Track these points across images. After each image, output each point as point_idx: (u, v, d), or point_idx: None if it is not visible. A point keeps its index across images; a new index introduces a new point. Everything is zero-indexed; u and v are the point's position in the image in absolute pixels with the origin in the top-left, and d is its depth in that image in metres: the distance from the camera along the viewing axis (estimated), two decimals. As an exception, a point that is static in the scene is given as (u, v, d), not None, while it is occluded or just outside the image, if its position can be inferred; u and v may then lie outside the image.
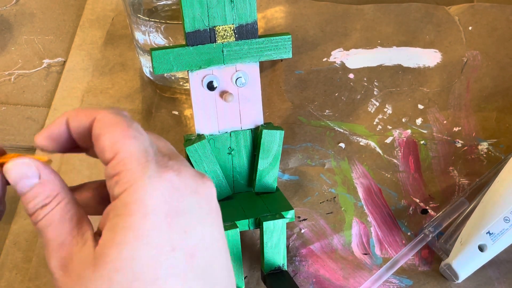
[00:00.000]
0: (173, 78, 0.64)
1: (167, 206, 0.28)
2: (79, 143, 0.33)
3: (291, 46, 0.48)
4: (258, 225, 0.49)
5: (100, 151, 0.30)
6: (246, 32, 0.46)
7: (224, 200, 0.52)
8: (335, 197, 0.57)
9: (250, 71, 0.48)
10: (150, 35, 0.61)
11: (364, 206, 0.57)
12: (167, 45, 0.62)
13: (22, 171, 0.31)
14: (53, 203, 0.31)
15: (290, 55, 0.49)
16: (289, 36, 0.48)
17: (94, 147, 0.31)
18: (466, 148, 0.61)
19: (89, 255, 0.29)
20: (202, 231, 0.30)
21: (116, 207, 0.29)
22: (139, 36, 0.61)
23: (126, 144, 0.29)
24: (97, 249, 0.29)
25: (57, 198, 0.31)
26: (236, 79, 0.48)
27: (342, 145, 0.60)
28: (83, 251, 0.29)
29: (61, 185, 0.32)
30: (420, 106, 0.63)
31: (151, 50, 0.46)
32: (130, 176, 0.28)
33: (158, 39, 0.61)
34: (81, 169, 0.58)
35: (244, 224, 0.49)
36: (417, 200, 0.57)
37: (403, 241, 0.55)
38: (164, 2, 0.60)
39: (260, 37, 0.47)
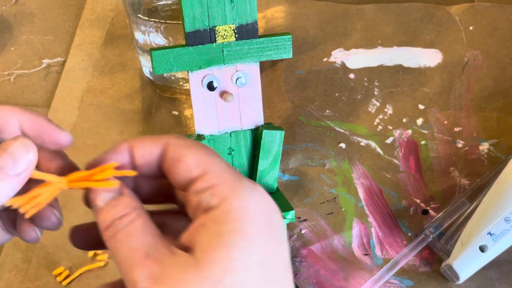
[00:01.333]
0: (173, 78, 0.63)
1: (264, 215, 0.29)
2: (140, 170, 0.33)
3: (291, 46, 0.48)
4: (258, 225, 0.49)
5: (183, 171, 0.31)
6: (246, 32, 0.46)
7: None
8: (335, 198, 0.57)
9: (250, 71, 0.48)
10: (150, 35, 0.61)
11: (365, 207, 0.57)
12: (166, 45, 0.61)
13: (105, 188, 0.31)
14: (134, 214, 0.30)
15: (290, 55, 0.49)
16: (290, 36, 0.48)
17: (170, 171, 0.31)
18: (467, 148, 0.60)
19: (187, 260, 0.28)
20: (287, 245, 0.31)
21: (214, 216, 0.29)
22: (139, 36, 0.61)
23: (215, 161, 0.31)
24: (197, 254, 0.28)
25: (137, 210, 0.30)
26: (236, 79, 0.48)
27: (343, 145, 0.60)
28: (176, 259, 0.28)
29: (140, 203, 0.31)
30: (421, 106, 0.63)
31: (151, 50, 0.45)
32: (228, 187, 0.29)
33: (158, 39, 0.61)
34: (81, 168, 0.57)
35: (244, 225, 0.49)
36: (418, 201, 0.57)
37: (404, 242, 0.55)
38: (164, 2, 0.60)
39: (260, 37, 0.47)
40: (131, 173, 0.32)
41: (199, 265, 0.28)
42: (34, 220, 0.33)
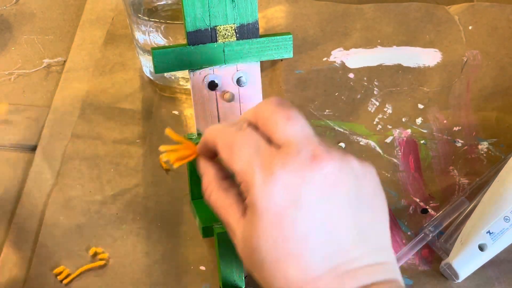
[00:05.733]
0: (173, 77, 0.64)
1: (272, 205, 0.36)
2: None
3: (292, 46, 0.48)
4: (259, 224, 0.49)
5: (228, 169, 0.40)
6: (247, 31, 0.46)
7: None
8: (335, 197, 0.57)
9: (251, 70, 0.48)
10: (150, 35, 0.61)
11: (365, 206, 0.57)
12: (166, 45, 0.62)
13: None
14: (207, 191, 0.42)
15: (291, 55, 0.49)
16: (290, 36, 0.48)
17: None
18: (466, 147, 0.61)
19: (240, 231, 0.38)
20: (311, 216, 0.35)
21: (247, 206, 0.38)
22: (139, 36, 0.61)
23: (233, 167, 0.38)
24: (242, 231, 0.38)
25: (209, 187, 0.42)
26: (237, 79, 0.48)
27: (342, 144, 0.60)
28: (239, 224, 0.38)
29: (214, 176, 0.42)
30: (420, 106, 0.63)
31: (152, 50, 0.46)
32: (245, 187, 0.37)
33: (158, 39, 0.61)
34: (81, 168, 0.58)
35: (244, 224, 0.49)
36: (417, 200, 0.57)
37: (403, 241, 0.55)
38: (164, 2, 0.61)
39: (261, 36, 0.47)
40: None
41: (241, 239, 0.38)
42: None
